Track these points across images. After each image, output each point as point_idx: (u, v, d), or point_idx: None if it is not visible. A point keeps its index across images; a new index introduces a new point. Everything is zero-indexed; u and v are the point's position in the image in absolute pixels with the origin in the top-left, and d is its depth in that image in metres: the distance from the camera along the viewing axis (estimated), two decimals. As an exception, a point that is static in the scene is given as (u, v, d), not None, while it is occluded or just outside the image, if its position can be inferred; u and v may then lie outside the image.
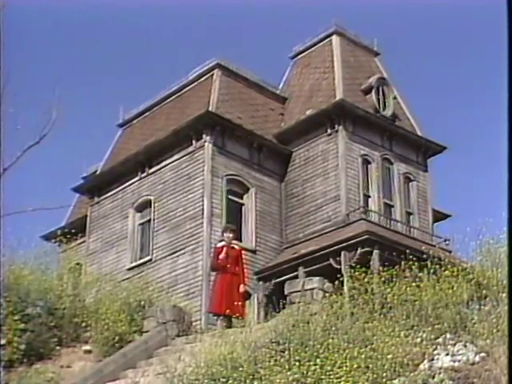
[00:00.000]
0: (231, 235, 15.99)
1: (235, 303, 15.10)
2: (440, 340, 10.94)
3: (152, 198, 23.07)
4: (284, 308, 13.73)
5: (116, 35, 50.28)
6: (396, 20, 39.65)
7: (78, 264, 23.33)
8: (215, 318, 16.16)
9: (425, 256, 13.98)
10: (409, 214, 23.42)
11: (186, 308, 17.62)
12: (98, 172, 26.03)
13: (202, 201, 21.35)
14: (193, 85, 24.76)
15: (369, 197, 22.55)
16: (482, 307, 11.54)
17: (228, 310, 14.94)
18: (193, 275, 20.67)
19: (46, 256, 18.37)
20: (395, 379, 10.09)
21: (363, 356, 10.34)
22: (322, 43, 25.84)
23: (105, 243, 24.09)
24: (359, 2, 33.03)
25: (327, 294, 13.87)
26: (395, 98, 24.51)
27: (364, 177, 22.63)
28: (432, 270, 13.11)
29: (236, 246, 16.08)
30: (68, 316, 16.42)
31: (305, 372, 10.25)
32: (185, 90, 24.98)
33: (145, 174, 23.54)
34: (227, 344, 11.68)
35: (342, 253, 19.65)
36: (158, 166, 23.17)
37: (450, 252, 19.31)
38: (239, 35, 46.93)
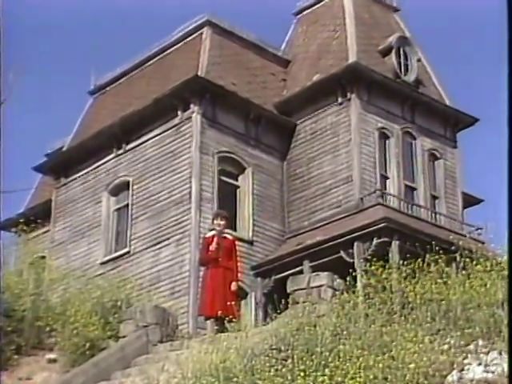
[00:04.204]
0: (223, 223, 15.99)
1: (228, 303, 15.12)
2: (471, 347, 10.98)
3: (130, 179, 23.09)
4: (286, 309, 13.76)
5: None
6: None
7: (41, 257, 23.34)
8: (205, 320, 16.19)
9: (453, 248, 14.03)
10: (434, 197, 23.47)
11: (171, 309, 17.68)
12: (64, 148, 26.04)
13: (190, 182, 21.38)
14: (178, 45, 24.76)
15: (387, 178, 22.60)
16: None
17: (220, 311, 14.96)
18: (178, 270, 20.74)
19: (2, 248, 18.39)
20: (418, 393, 10.13)
21: (380, 365, 10.37)
22: (331, -4, 25.82)
23: (73, 233, 24.12)
24: None
25: (337, 293, 13.91)
26: (419, 60, 24.50)
27: (381, 154, 22.67)
28: (461, 265, 13.14)
29: (229, 236, 16.08)
30: (29, 319, 16.44)
31: (311, 384, 10.30)
32: (169, 51, 24.97)
33: (121, 151, 23.55)
34: (219, 351, 11.71)
35: (355, 244, 19.74)
36: (137, 142, 23.19)
37: (483, 243, 19.36)
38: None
